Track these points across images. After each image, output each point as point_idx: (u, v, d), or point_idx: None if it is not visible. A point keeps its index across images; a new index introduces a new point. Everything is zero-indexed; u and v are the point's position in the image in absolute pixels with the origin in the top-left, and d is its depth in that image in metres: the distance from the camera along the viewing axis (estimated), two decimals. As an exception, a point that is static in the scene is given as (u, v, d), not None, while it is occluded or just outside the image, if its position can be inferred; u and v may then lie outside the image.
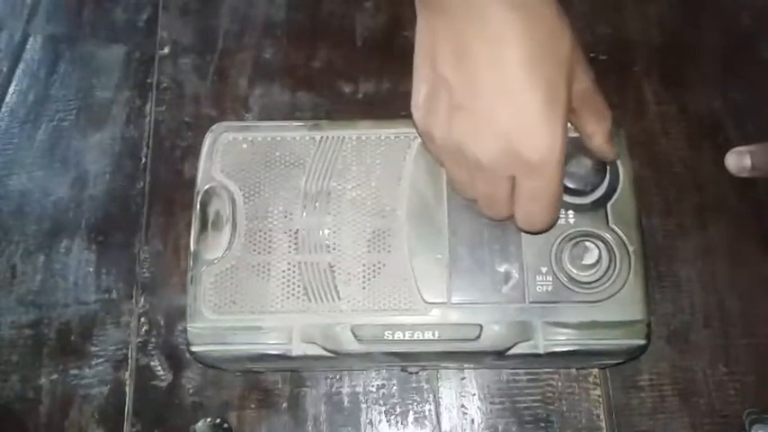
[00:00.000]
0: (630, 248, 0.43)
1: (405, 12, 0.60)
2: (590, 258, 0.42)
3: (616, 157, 0.43)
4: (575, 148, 0.42)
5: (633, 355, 0.44)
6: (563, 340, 0.42)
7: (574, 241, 0.43)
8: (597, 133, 0.41)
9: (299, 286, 0.43)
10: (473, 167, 0.39)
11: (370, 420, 0.50)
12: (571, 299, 0.42)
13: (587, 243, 0.42)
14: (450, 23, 0.37)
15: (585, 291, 0.42)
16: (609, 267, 0.42)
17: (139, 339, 0.52)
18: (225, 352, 0.43)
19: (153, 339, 0.52)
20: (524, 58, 0.35)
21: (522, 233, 0.43)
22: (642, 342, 0.42)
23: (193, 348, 0.43)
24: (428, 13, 0.38)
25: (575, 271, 0.42)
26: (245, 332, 0.43)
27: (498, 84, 0.36)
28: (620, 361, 0.46)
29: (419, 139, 0.45)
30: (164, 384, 0.52)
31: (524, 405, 0.50)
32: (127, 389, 0.51)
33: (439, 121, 0.39)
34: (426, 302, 0.43)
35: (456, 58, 0.37)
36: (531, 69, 0.35)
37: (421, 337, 0.42)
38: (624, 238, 0.43)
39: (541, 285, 0.43)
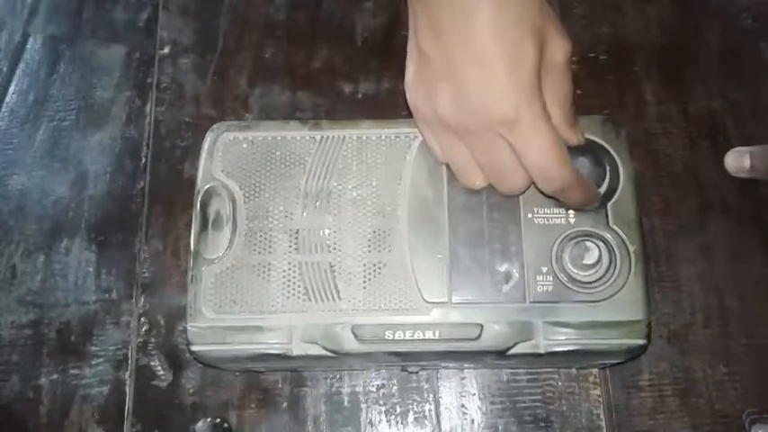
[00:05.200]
0: (631, 248, 0.43)
1: (405, 12, 0.59)
2: (590, 258, 0.42)
3: (579, 141, 0.42)
4: (574, 148, 0.42)
5: (633, 354, 0.44)
6: (563, 340, 0.42)
7: (574, 241, 0.43)
8: (553, 112, 0.40)
9: (299, 286, 0.43)
10: (466, 137, 0.40)
11: (370, 420, 0.50)
12: (572, 299, 0.42)
13: (588, 243, 0.42)
14: (426, 2, 0.40)
15: (586, 291, 0.42)
16: (609, 267, 0.42)
17: (139, 339, 0.52)
18: (225, 351, 0.43)
19: (153, 339, 0.52)
20: (489, 24, 0.37)
21: (523, 233, 0.43)
22: (642, 342, 0.42)
23: (193, 348, 0.43)
24: (416, 2, 0.41)
25: (575, 271, 0.42)
26: (246, 332, 0.43)
27: (468, 52, 0.38)
28: (620, 361, 0.46)
29: (420, 139, 0.45)
30: (164, 384, 0.52)
31: (524, 405, 0.50)
32: (127, 389, 0.51)
33: (425, 96, 0.41)
34: (427, 302, 0.43)
35: (433, 34, 0.40)
36: (496, 35, 0.38)
37: (421, 337, 0.42)
38: (624, 237, 0.43)
39: (542, 285, 0.43)
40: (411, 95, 0.42)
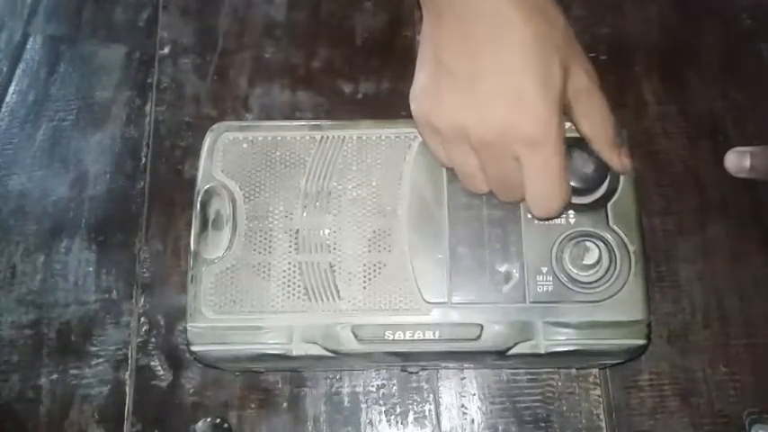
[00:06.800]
0: (631, 248, 0.43)
1: (405, 12, 0.60)
2: (590, 258, 0.42)
3: (624, 169, 0.43)
4: (575, 147, 0.42)
5: (633, 355, 0.44)
6: (563, 340, 0.42)
7: (574, 241, 0.43)
8: (594, 137, 0.42)
9: (299, 286, 0.43)
10: (479, 148, 0.40)
11: (370, 420, 0.50)
12: (572, 299, 0.42)
13: (588, 243, 0.42)
14: (452, 14, 0.39)
15: (586, 291, 0.42)
16: (609, 267, 0.42)
17: (139, 339, 0.52)
18: (225, 352, 0.43)
19: (153, 339, 0.52)
20: (521, 42, 0.38)
21: (523, 233, 0.43)
22: (642, 342, 0.42)
23: (193, 348, 0.43)
24: (431, 10, 0.41)
25: (575, 271, 0.42)
26: (246, 332, 0.43)
27: (497, 66, 0.38)
28: (620, 361, 0.46)
29: (420, 139, 0.45)
30: (164, 384, 0.52)
31: (524, 405, 0.50)
32: (127, 389, 0.51)
33: (441, 106, 0.40)
34: (427, 302, 0.43)
35: (458, 45, 0.39)
36: (527, 52, 0.38)
37: (421, 337, 0.42)
38: (624, 238, 0.43)
39: (542, 285, 0.43)
40: (419, 106, 0.42)
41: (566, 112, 0.40)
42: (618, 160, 0.43)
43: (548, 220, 0.43)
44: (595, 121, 0.41)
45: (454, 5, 0.39)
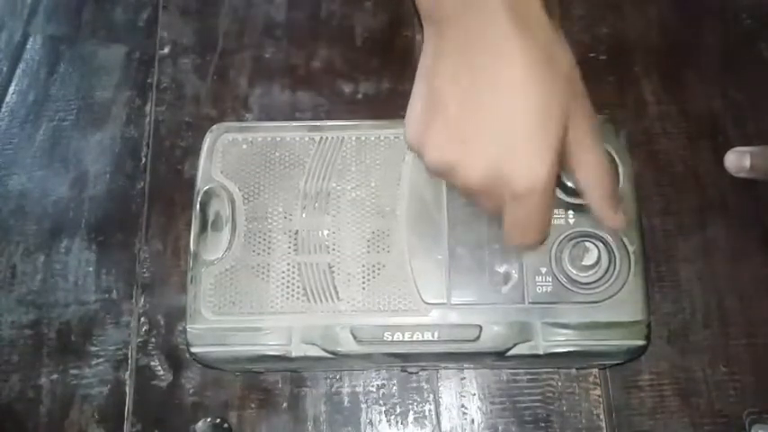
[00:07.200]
0: (630, 249, 0.43)
1: (405, 12, 0.60)
2: (590, 259, 0.42)
3: (619, 227, 0.41)
4: None
5: (633, 355, 0.44)
6: (563, 341, 0.42)
7: (573, 242, 0.43)
8: (591, 191, 0.38)
9: (298, 287, 0.43)
10: (462, 189, 0.38)
11: (370, 420, 0.50)
12: (571, 299, 0.42)
13: (587, 243, 0.42)
14: (451, 40, 0.36)
15: (585, 291, 0.42)
16: (609, 268, 0.42)
17: (139, 339, 0.52)
18: (225, 353, 0.43)
19: (153, 339, 0.52)
20: (521, 82, 0.34)
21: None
22: (642, 343, 0.42)
23: (193, 349, 0.43)
24: (432, 29, 0.38)
25: (574, 271, 0.42)
26: (245, 333, 0.43)
27: (492, 104, 0.35)
28: (620, 362, 0.46)
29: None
30: (164, 384, 0.52)
31: (524, 405, 0.50)
32: (127, 389, 0.52)
33: (430, 139, 0.37)
34: (426, 303, 0.43)
35: (454, 75, 0.36)
36: (526, 93, 0.34)
37: (420, 338, 0.42)
38: (624, 238, 0.43)
39: (541, 286, 0.43)
40: (413, 135, 0.39)
41: (561, 159, 0.36)
42: (613, 218, 0.39)
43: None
44: (594, 173, 0.38)
45: (455, 35, 0.36)
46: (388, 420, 0.50)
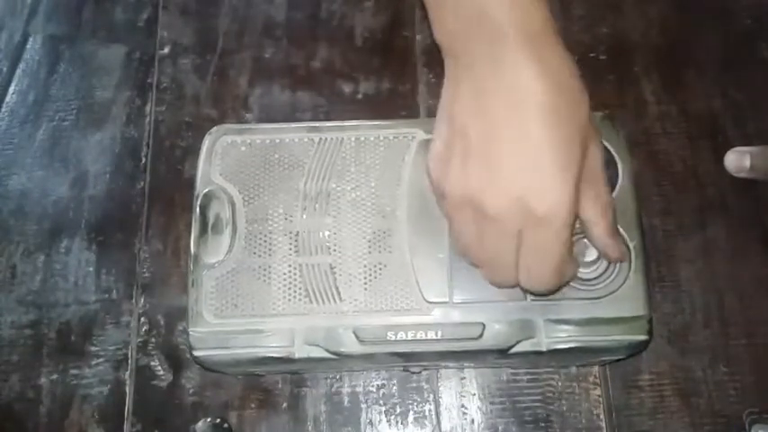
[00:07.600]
0: (631, 245, 0.43)
1: (405, 12, 0.60)
2: (591, 255, 0.42)
3: (620, 259, 0.42)
4: None
5: (635, 350, 0.44)
6: (565, 337, 0.42)
7: (575, 238, 0.43)
8: (596, 223, 0.39)
9: (300, 288, 0.43)
10: (482, 220, 0.38)
11: (370, 420, 0.50)
12: (573, 296, 0.42)
13: (588, 240, 0.42)
14: (473, 77, 0.37)
15: (587, 287, 0.43)
16: (609, 264, 0.43)
17: (139, 339, 0.52)
18: (227, 356, 0.43)
19: (153, 339, 0.52)
20: (541, 114, 0.35)
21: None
22: (644, 337, 0.43)
23: (196, 353, 0.43)
24: (454, 65, 0.39)
25: (576, 268, 0.42)
26: (247, 336, 0.42)
27: (515, 139, 0.36)
28: (622, 357, 0.46)
29: (418, 139, 0.45)
30: (164, 384, 0.52)
31: (524, 405, 0.50)
32: (127, 389, 0.51)
33: (453, 172, 0.38)
34: (428, 302, 0.43)
35: (476, 111, 0.37)
36: (549, 128, 0.35)
37: (423, 337, 0.42)
38: (624, 234, 0.43)
39: (543, 283, 0.43)
40: (435, 170, 0.40)
41: None
42: (616, 250, 0.41)
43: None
44: (601, 206, 0.39)
45: (474, 69, 0.37)
46: (388, 420, 0.50)
